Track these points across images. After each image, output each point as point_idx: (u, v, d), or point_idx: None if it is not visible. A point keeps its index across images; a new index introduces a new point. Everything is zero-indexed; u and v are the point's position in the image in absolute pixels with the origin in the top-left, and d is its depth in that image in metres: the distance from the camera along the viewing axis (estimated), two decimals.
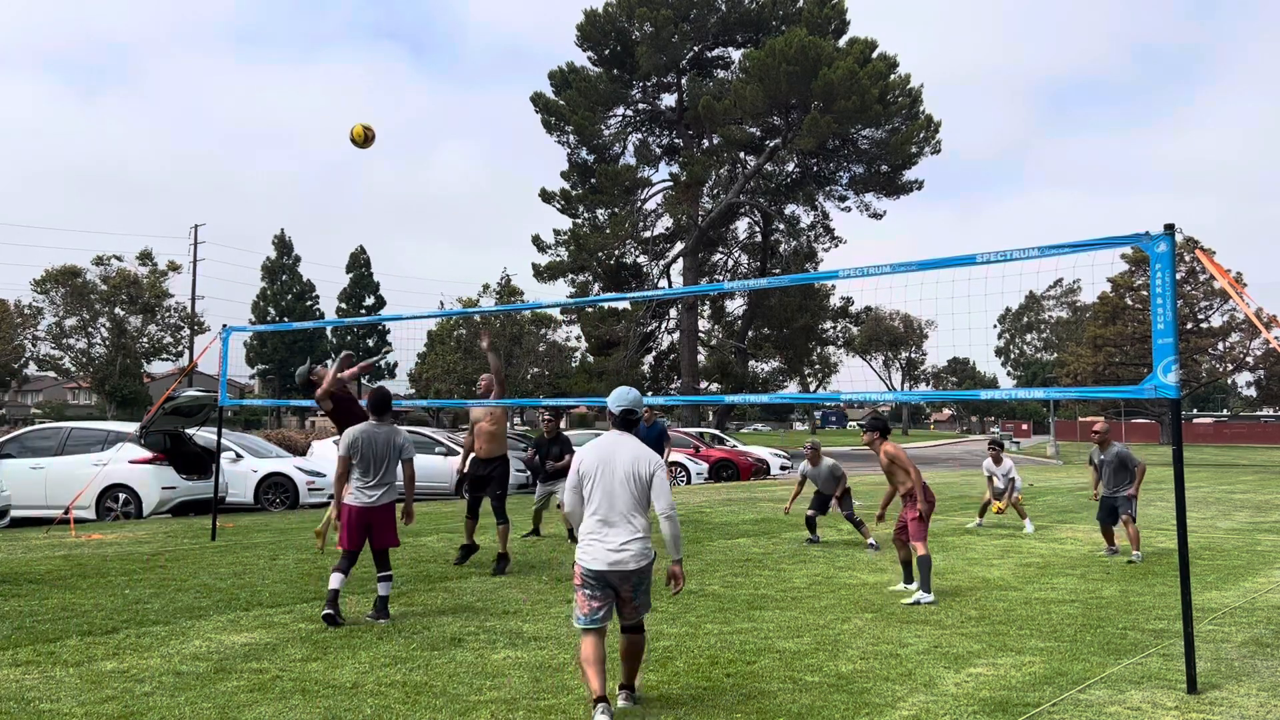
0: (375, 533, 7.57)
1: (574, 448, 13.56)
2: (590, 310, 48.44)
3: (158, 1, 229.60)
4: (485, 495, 10.35)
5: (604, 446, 5.25)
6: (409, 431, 21.80)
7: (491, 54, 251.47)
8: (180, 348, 49.80)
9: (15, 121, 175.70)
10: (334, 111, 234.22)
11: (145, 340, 48.18)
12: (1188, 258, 41.96)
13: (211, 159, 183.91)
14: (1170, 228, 5.85)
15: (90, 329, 47.11)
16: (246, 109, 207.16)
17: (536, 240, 50.24)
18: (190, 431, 16.62)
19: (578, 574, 5.17)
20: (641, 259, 49.91)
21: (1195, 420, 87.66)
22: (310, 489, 17.62)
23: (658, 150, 51.00)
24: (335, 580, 7.36)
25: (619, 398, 5.39)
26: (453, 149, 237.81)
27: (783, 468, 29.15)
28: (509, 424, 14.19)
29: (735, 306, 52.78)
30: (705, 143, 48.79)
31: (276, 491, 17.52)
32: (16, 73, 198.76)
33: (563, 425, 14.49)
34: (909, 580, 8.90)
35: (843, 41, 45.67)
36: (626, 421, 5.35)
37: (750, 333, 51.44)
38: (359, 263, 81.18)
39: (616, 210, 47.73)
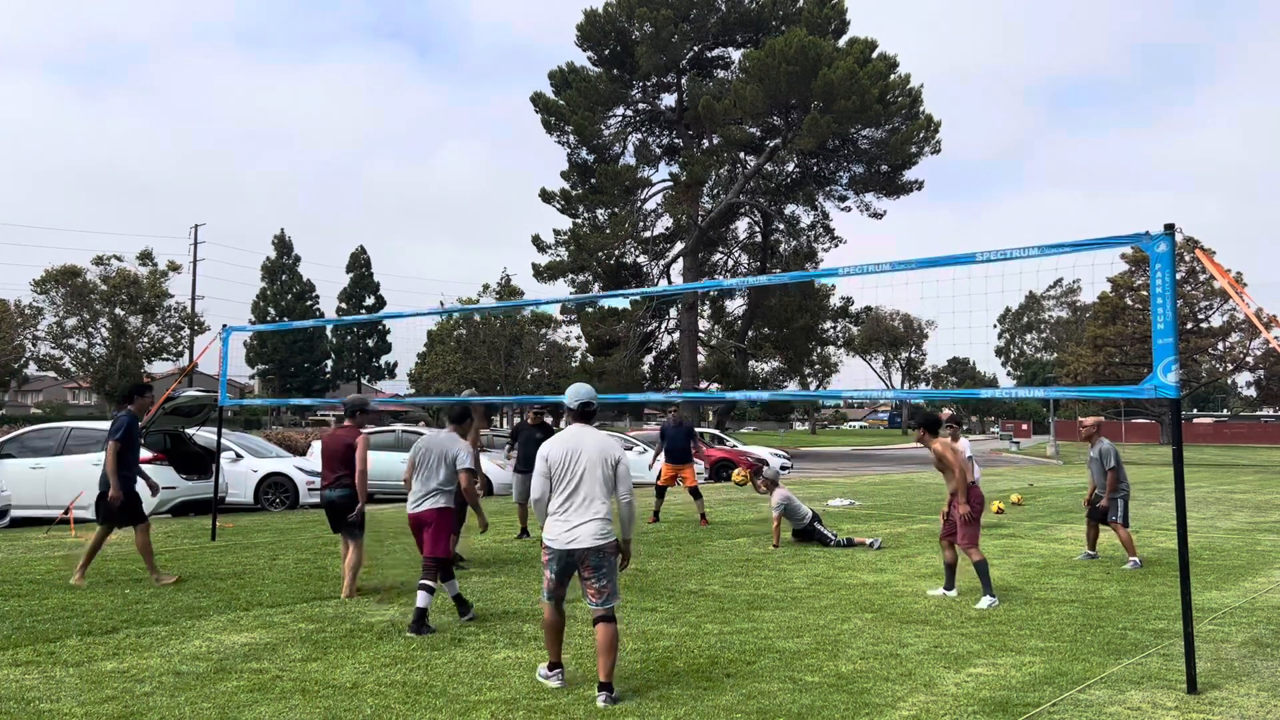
0: (425, 540, 7.51)
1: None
2: (590, 310, 48.43)
3: (160, 2, 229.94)
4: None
5: (570, 437, 5.68)
6: (405, 431, 21.75)
7: (492, 54, 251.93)
8: (180, 348, 49.77)
9: (16, 121, 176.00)
10: (335, 111, 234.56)
11: (145, 340, 48.14)
12: (1188, 258, 41.96)
13: (211, 159, 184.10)
14: (1170, 228, 5.85)
15: (90, 329, 47.06)
16: (247, 109, 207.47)
17: (536, 240, 50.23)
18: (190, 431, 16.62)
19: (544, 550, 5.66)
20: (641, 259, 49.89)
21: (1195, 420, 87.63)
22: (310, 489, 17.58)
23: (658, 150, 50.97)
24: (421, 599, 7.12)
25: (575, 393, 5.81)
26: (454, 149, 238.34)
27: (783, 468, 29.05)
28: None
29: (735, 306, 52.80)
30: (705, 143, 48.76)
31: (276, 491, 17.50)
32: (18, 73, 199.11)
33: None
34: (949, 586, 8.62)
35: (843, 41, 45.65)
36: (585, 414, 5.78)
37: (750, 333, 51.43)
38: (359, 263, 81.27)
39: (616, 210, 47.69)
